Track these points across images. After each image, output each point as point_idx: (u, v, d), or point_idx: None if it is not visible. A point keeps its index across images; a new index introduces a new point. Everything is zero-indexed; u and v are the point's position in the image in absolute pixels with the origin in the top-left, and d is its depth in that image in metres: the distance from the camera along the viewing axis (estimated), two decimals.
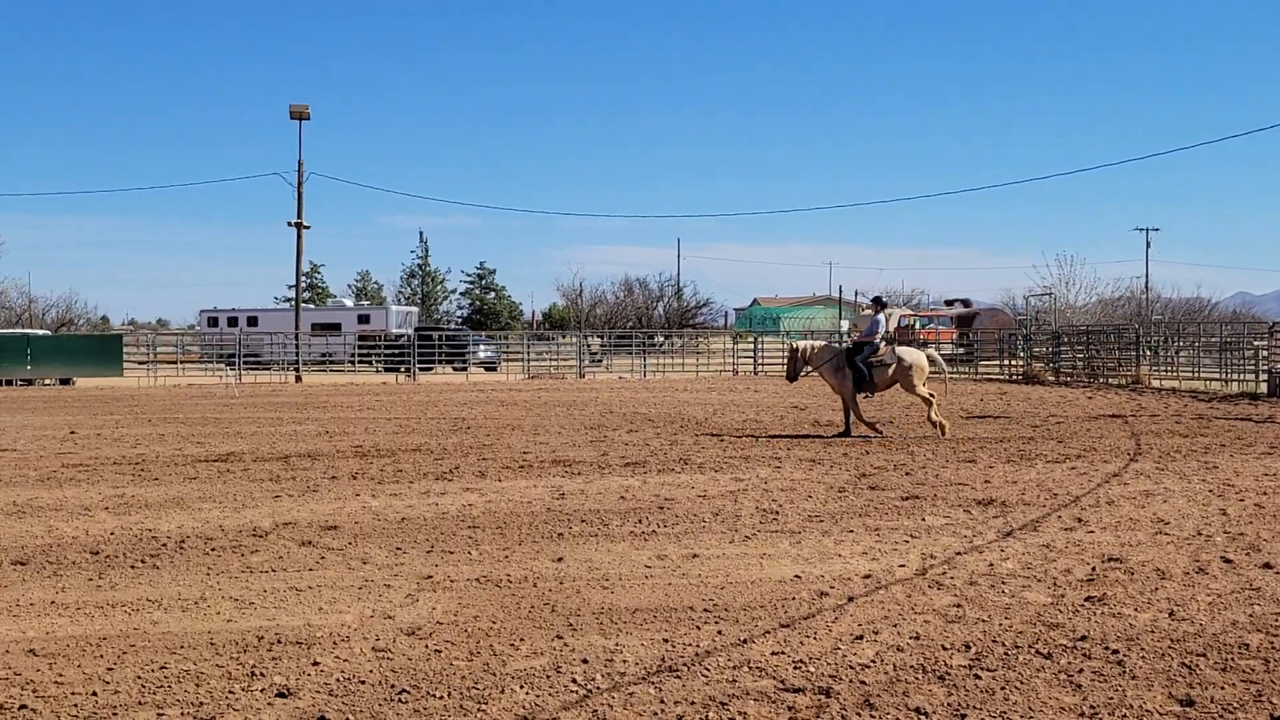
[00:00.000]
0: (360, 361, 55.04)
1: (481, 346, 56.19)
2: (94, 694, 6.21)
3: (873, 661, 6.73)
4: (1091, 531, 10.75)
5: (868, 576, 8.91)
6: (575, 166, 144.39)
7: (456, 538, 10.56)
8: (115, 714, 5.93)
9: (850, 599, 8.20)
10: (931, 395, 20.54)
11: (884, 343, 20.86)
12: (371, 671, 6.58)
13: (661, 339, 70.26)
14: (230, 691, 6.24)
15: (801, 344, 21.86)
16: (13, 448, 18.62)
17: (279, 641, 7.18)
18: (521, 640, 7.21)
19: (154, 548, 10.13)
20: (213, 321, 65.53)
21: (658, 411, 26.26)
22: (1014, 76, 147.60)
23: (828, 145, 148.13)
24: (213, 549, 10.07)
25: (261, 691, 6.25)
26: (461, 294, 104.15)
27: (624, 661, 6.77)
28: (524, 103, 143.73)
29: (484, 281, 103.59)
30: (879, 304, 21.92)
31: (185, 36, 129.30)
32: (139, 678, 6.47)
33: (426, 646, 7.07)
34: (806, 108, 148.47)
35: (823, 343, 22.24)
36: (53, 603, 8.22)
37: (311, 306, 73.78)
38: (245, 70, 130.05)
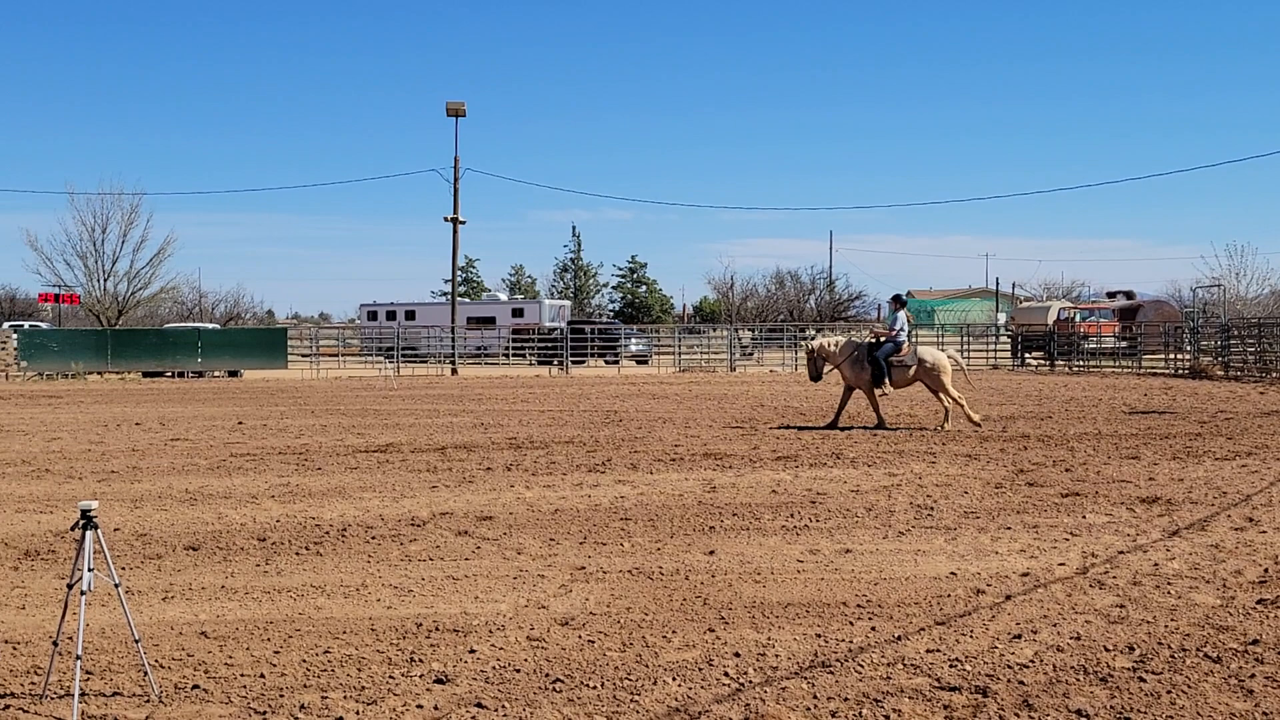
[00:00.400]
0: (514, 355, 55.82)
1: (633, 340, 56.52)
2: (262, 676, 6.42)
3: (1031, 661, 6.58)
4: (1264, 532, 10.34)
5: (1026, 575, 8.72)
6: (727, 158, 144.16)
7: (609, 529, 10.65)
8: (282, 695, 6.13)
9: (1007, 597, 8.03)
10: (957, 394, 20.67)
11: (906, 343, 20.81)
12: (526, 660, 6.68)
13: (813, 332, 69.76)
14: (390, 676, 6.40)
15: (818, 343, 21.75)
16: (185, 437, 19.35)
17: (437, 629, 7.33)
18: (674, 632, 7.23)
19: (317, 535, 10.43)
20: (372, 315, 67.19)
21: (810, 405, 26.08)
22: (1174, 67, 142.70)
23: (987, 137, 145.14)
24: (373, 537, 10.33)
25: (420, 677, 6.39)
26: (613, 288, 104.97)
27: (776, 656, 6.74)
28: (676, 95, 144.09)
29: (635, 275, 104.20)
30: (899, 301, 21.59)
31: (345, 36, 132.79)
32: (304, 661, 6.68)
33: (580, 637, 7.14)
34: (962, 99, 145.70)
35: (843, 339, 22.22)
36: (223, 587, 8.53)
37: (467, 301, 75.15)
38: (404, 68, 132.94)
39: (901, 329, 20.84)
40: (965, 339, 52.58)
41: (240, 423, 22.25)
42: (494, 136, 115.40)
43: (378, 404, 28.07)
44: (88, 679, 6.27)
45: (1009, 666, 6.48)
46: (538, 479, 13.96)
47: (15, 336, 42.46)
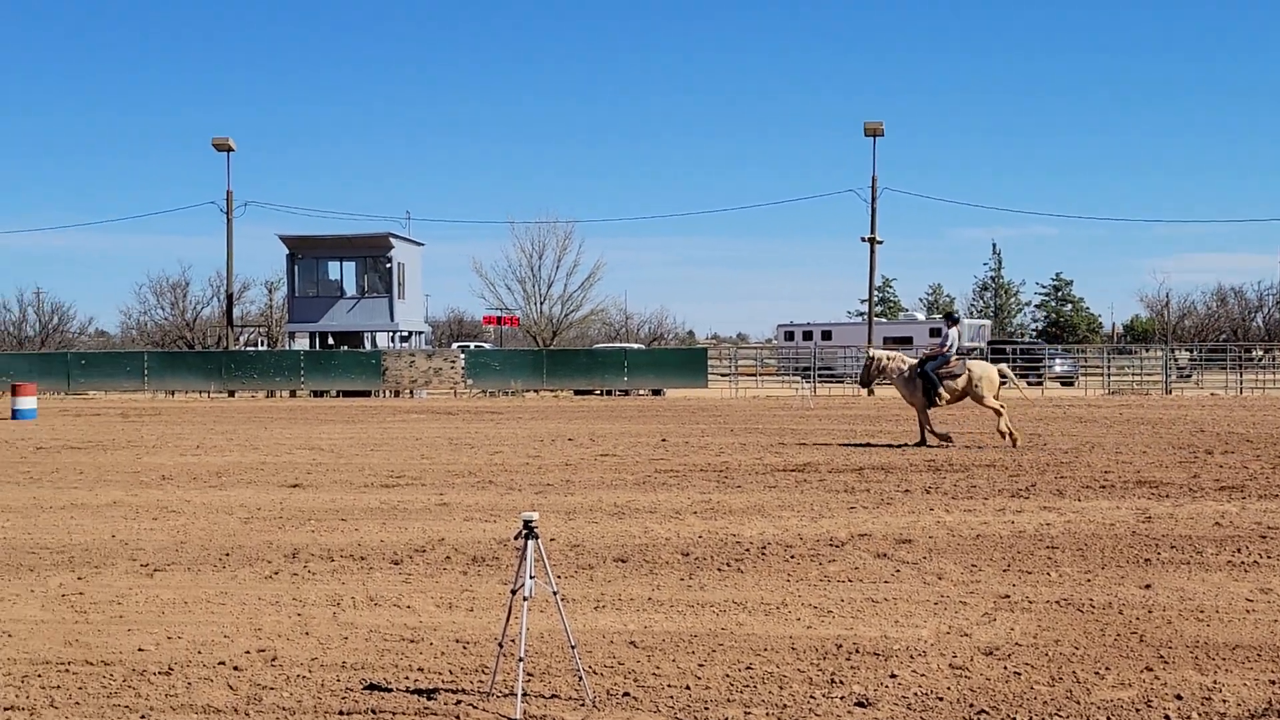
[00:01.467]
0: None
1: (1057, 360, 54.30)
2: (687, 688, 6.61)
3: None
4: None
5: None
6: (1162, 170, 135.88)
7: (1034, 557, 10.26)
8: (706, 708, 6.28)
9: None
10: (1001, 407, 21.16)
11: (954, 356, 21.47)
12: (949, 689, 6.53)
13: (1260, 352, 64.53)
14: (811, 697, 6.43)
15: (877, 353, 22.80)
16: (613, 453, 20.26)
17: (857, 651, 7.30)
18: (1106, 669, 6.87)
19: (738, 552, 10.64)
20: (789, 335, 67.94)
21: (1257, 432, 24.11)
22: None
23: None
24: (792, 556, 10.42)
25: (841, 699, 6.38)
26: (1036, 306, 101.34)
27: (1224, 701, 6.27)
28: (1104, 108, 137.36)
29: (1060, 293, 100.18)
30: (950, 319, 22.44)
31: (761, 56, 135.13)
32: (727, 676, 6.82)
33: (1005, 668, 6.91)
34: None
35: (898, 353, 22.98)
36: (649, 599, 8.85)
37: (884, 320, 74.63)
38: (822, 91, 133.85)
39: (951, 345, 21.62)
40: None
41: (664, 440, 23.04)
42: (912, 154, 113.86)
43: (795, 423, 28.35)
44: (529, 680, 6.66)
45: None
46: (958, 503, 13.65)
47: (463, 357, 45.90)
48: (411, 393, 44.91)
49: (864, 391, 24.63)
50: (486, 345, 68.08)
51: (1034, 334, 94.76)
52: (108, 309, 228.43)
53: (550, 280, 68.39)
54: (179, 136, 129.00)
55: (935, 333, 63.35)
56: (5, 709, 6.42)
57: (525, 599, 6.21)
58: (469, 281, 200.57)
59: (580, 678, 6.53)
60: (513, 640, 6.59)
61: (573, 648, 6.53)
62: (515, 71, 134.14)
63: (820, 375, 51.03)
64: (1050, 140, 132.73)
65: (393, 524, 12.50)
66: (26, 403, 32.20)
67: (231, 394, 45.30)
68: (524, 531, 6.27)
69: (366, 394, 44.52)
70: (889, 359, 22.27)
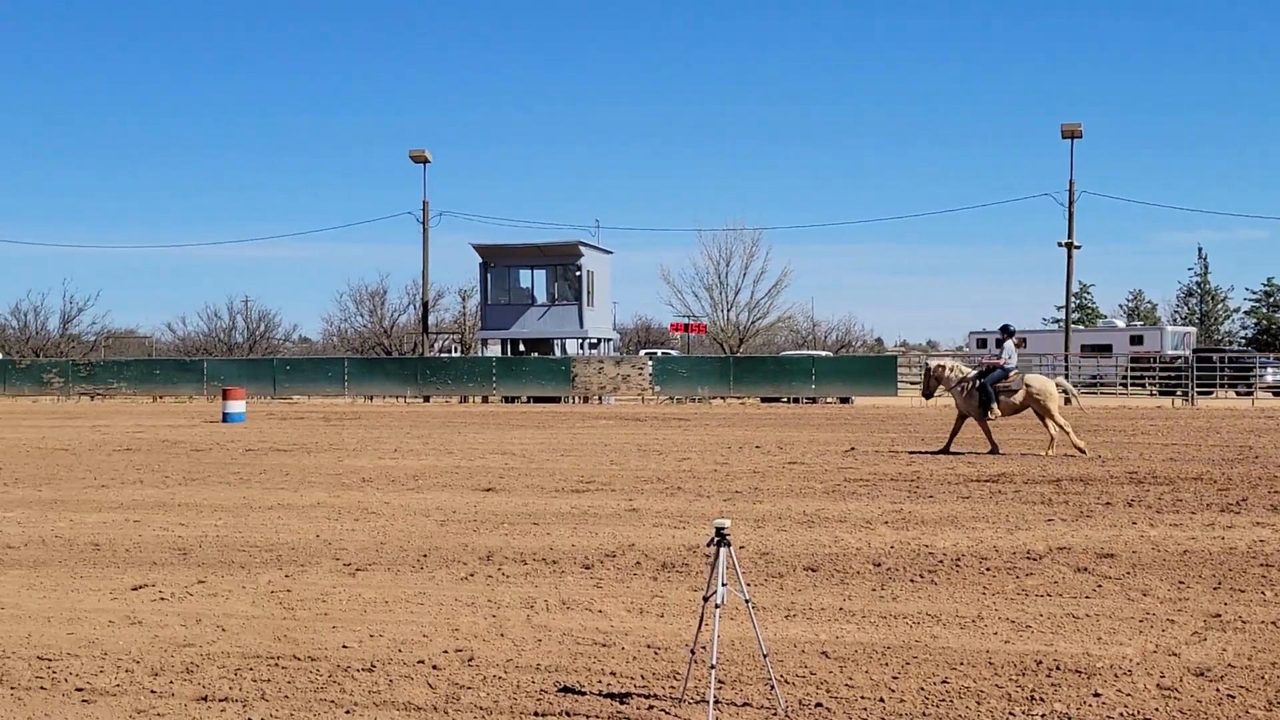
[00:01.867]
0: (1132, 384, 53.01)
1: (1269, 369, 51.80)
2: (881, 700, 6.51)
3: None
4: None
5: None
6: None
7: (1247, 575, 9.80)
8: None
9: None
10: (1064, 422, 21.37)
11: (1014, 370, 21.93)
12: (1157, 710, 6.28)
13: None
14: (1010, 714, 6.26)
15: (935, 363, 23.44)
16: (800, 461, 20.12)
17: (1058, 668, 7.08)
18: None
19: (931, 563, 10.44)
20: (981, 343, 66.33)
21: None
22: None
23: None
24: (987, 569, 10.17)
25: (1042, 717, 6.19)
26: (1245, 313, 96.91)
27: None
28: None
29: (1271, 299, 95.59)
30: (1007, 332, 22.59)
31: (955, 59, 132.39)
32: (922, 689, 6.69)
33: (1218, 690, 6.61)
34: None
35: (956, 363, 23.43)
36: (840, 609, 8.74)
37: (1081, 328, 72.42)
38: (1015, 92, 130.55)
39: (1009, 358, 22.03)
40: None
41: (852, 448, 22.78)
42: (1111, 158, 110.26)
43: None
44: (720, 687, 6.65)
45: None
46: (1163, 516, 13.13)
47: (650, 363, 46.24)
48: (600, 398, 45.44)
49: (926, 400, 24.66)
50: (673, 352, 68.45)
51: (1243, 341, 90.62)
52: (310, 316, 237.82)
53: (737, 287, 68.48)
54: (378, 149, 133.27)
55: (1136, 340, 61.38)
56: (220, 700, 6.71)
57: (717, 606, 6.20)
58: (656, 289, 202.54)
59: (772, 687, 6.49)
60: (704, 647, 6.59)
61: (764, 657, 6.50)
62: (704, 78, 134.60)
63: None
64: (1258, 140, 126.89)
65: (583, 529, 12.65)
66: (236, 406, 33.65)
67: (426, 399, 46.56)
68: (716, 539, 6.26)
69: (556, 400, 45.21)
70: (949, 369, 22.71)
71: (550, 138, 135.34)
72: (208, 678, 7.11)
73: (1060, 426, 21.37)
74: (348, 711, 6.49)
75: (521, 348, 51.85)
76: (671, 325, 71.68)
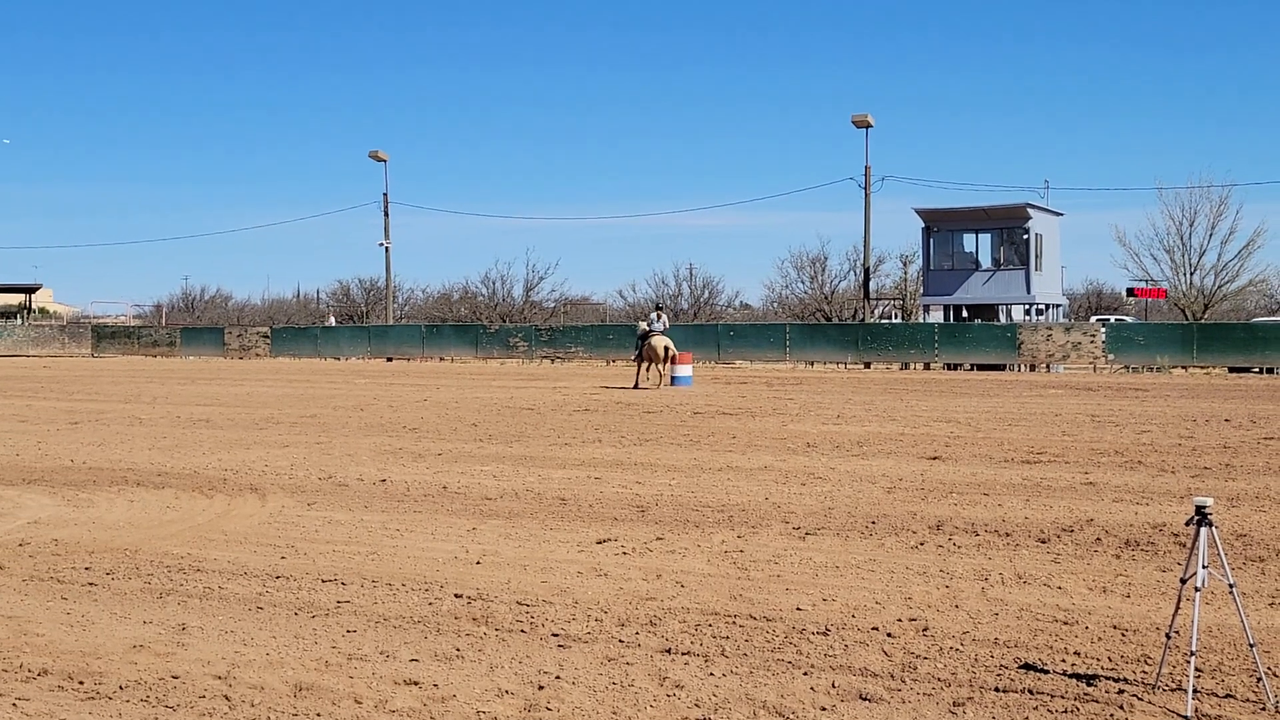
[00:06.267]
0: None
1: None
2: None
3: None
4: None
5: None
6: None
7: None
8: None
9: None
10: None
11: None
12: None
13: None
14: None
15: None
16: (1278, 436, 18.50)
17: None
18: None
19: None
20: None
21: None
22: None
23: None
24: None
25: None
26: None
27: None
28: None
29: None
30: None
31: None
32: None
33: None
34: None
35: None
36: None
37: None
38: None
39: None
40: None
41: None
42: None
43: None
44: (1198, 676, 6.21)
45: None
46: None
47: (1104, 330, 43.96)
48: (1048, 367, 43.69)
49: None
50: (1128, 318, 64.81)
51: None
52: (752, 283, 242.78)
53: (1202, 249, 63.60)
54: (821, 114, 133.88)
55: None
56: (683, 653, 6.95)
57: (1197, 589, 5.78)
58: (1110, 251, 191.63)
59: (1260, 679, 5.99)
60: (1178, 631, 6.17)
61: (1251, 646, 6.00)
62: (1154, 19, 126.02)
63: None
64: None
65: (1036, 501, 12.18)
66: (684, 370, 34.86)
67: (867, 365, 46.41)
68: (1196, 517, 5.83)
69: (1000, 368, 43.87)
70: None
71: (998, 98, 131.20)
72: (670, 631, 7.39)
73: None
74: (805, 673, 6.54)
75: (965, 314, 50.65)
76: (1129, 290, 67.76)
